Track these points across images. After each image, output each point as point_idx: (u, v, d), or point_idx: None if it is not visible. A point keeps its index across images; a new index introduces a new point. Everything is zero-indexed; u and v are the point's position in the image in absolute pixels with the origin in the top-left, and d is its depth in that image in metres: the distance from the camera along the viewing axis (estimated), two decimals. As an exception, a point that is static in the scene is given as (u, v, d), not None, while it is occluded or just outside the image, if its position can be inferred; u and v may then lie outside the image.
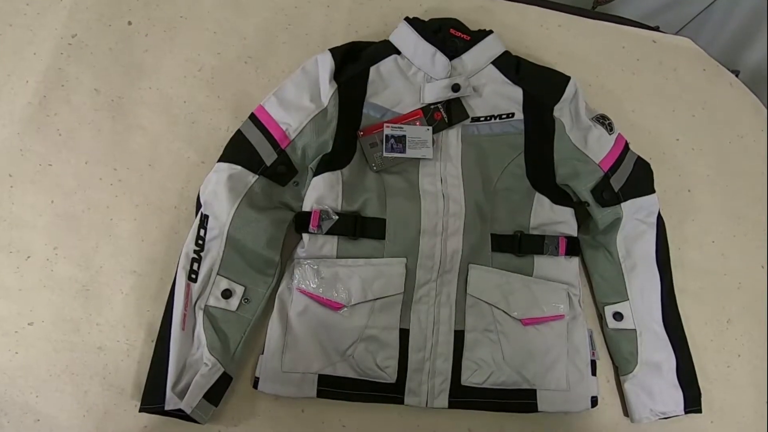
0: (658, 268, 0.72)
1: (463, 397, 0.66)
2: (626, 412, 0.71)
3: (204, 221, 0.64)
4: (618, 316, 0.72)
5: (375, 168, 0.71)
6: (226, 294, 0.63)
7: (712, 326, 0.77)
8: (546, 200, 0.72)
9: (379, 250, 0.67)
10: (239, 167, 0.65)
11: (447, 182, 0.71)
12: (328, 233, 0.66)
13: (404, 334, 0.66)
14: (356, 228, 0.67)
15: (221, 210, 0.64)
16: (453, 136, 0.73)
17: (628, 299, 0.71)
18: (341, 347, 0.65)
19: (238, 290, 0.64)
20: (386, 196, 0.69)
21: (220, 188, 0.64)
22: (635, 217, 0.73)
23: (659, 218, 0.74)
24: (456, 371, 0.66)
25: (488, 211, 0.71)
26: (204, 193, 0.65)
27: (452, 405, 0.66)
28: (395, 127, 0.71)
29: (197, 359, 0.61)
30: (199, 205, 0.65)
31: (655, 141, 0.83)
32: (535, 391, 0.67)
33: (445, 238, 0.68)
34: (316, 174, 0.68)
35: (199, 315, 0.62)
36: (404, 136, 0.71)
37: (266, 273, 0.66)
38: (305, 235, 0.67)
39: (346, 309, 0.65)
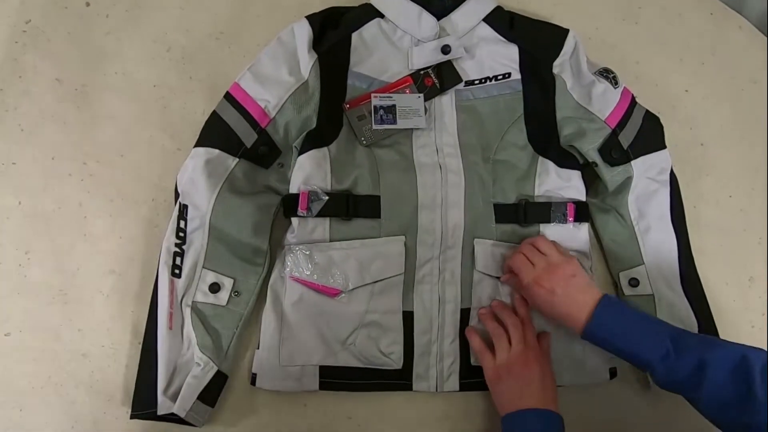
0: (673, 228, 0.67)
1: (474, 377, 0.62)
2: (647, 382, 0.67)
3: (183, 212, 0.59)
4: (634, 281, 0.67)
5: (365, 142, 0.65)
6: (214, 288, 0.59)
7: (734, 286, 0.72)
8: (551, 164, 0.67)
9: (375, 230, 0.62)
10: (217, 151, 0.60)
11: (443, 152, 0.66)
12: (318, 215, 0.61)
13: (408, 317, 0.62)
14: (349, 207, 0.62)
15: (201, 198, 0.59)
16: (447, 103, 0.67)
17: (644, 263, 0.67)
18: (341, 336, 0.60)
19: (227, 283, 0.59)
20: (379, 171, 0.64)
21: (198, 175, 0.59)
22: (647, 176, 0.68)
23: (672, 175, 0.69)
24: (465, 352, 0.62)
25: (489, 180, 0.66)
26: (181, 182, 0.60)
27: (463, 387, 0.62)
28: (383, 97, 0.66)
29: (188, 359, 0.57)
30: (177, 195, 0.60)
31: (663, 93, 0.77)
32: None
33: (445, 211, 0.63)
34: (301, 153, 0.63)
35: (187, 312, 0.58)
36: (394, 106, 0.66)
37: (255, 263, 0.61)
38: (294, 220, 0.62)
39: (344, 295, 0.61)
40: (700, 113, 0.78)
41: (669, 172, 0.69)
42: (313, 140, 0.63)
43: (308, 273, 0.61)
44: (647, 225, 0.68)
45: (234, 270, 0.60)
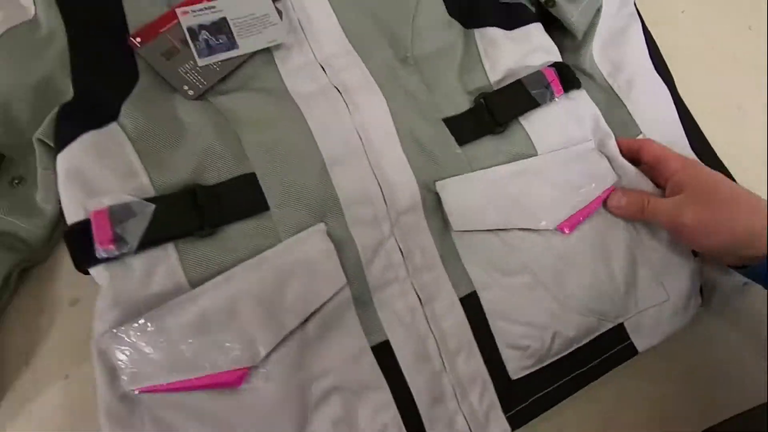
0: (660, 75, 0.47)
1: (524, 400, 0.37)
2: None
3: None
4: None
5: (192, 93, 0.36)
6: None
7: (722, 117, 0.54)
8: (496, 32, 0.43)
9: (269, 232, 0.33)
10: None
11: (333, 67, 0.38)
12: (145, 245, 0.31)
13: (383, 352, 0.34)
14: (203, 211, 0.32)
15: None
16: (310, -8, 0.40)
17: (641, 132, 0.46)
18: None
19: None
20: (237, 133, 0.35)
21: None
22: (608, 12, 0.47)
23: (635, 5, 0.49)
24: (495, 364, 0.36)
25: (421, 88, 0.40)
26: None
27: (515, 422, 0.36)
28: (199, 10, 0.37)
29: None
30: None
31: None
32: (621, 326, 0.39)
33: (374, 157, 0.36)
34: (61, 146, 0.32)
35: None
36: (224, 20, 0.37)
37: None
38: (97, 274, 0.31)
39: (256, 372, 0.31)
40: None
41: (633, 1, 0.49)
42: (76, 120, 0.32)
43: (173, 365, 0.30)
44: (627, 79, 0.46)
45: None
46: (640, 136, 0.46)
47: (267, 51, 0.38)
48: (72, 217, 0.31)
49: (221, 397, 0.30)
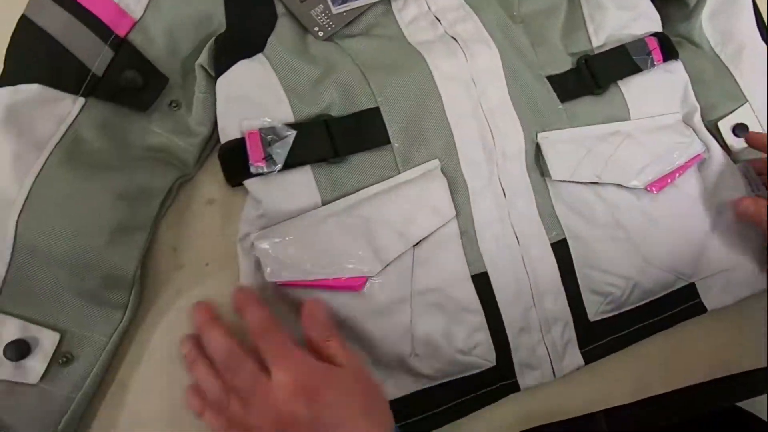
0: (766, 44, 0.48)
1: (598, 340, 0.40)
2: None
3: None
4: (741, 128, 0.47)
5: (321, 34, 0.39)
6: (17, 350, 0.31)
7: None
8: None
9: (389, 163, 0.37)
10: (36, 87, 0.31)
11: (447, 19, 0.41)
12: (288, 166, 0.35)
13: (481, 282, 0.38)
14: (335, 140, 0.36)
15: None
16: (422, -55, 0.42)
17: (747, 100, 0.47)
18: (389, 347, 0.36)
19: (46, 341, 0.32)
20: (363, 72, 0.38)
21: None
22: None
23: None
24: (577, 305, 0.40)
25: (527, 44, 0.42)
26: None
27: (589, 358, 0.40)
28: None
29: None
30: None
31: None
32: (693, 285, 0.42)
33: (486, 102, 0.39)
34: (219, 72, 0.36)
35: None
36: None
37: (109, 301, 0.34)
38: (251, 186, 0.35)
39: (372, 282, 0.35)
40: None
41: None
42: (231, 49, 0.36)
43: (305, 267, 0.35)
44: (736, 48, 0.47)
45: (63, 315, 0.33)
46: (746, 106, 0.47)
47: (386, 2, 0.41)
48: (227, 136, 0.36)
49: (343, 296, 0.35)
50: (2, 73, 0.32)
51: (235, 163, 0.35)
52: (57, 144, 0.32)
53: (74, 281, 0.32)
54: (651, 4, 0.45)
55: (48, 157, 0.31)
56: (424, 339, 0.36)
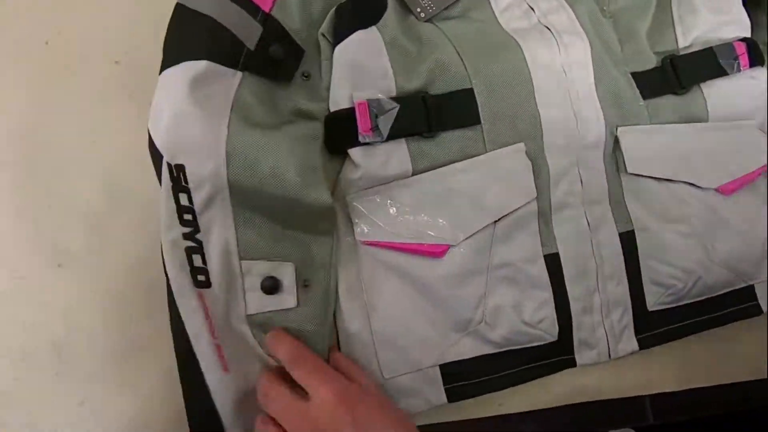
0: None
1: (654, 329, 0.43)
2: None
3: (179, 178, 0.34)
4: None
5: (423, 15, 0.42)
6: (270, 285, 0.35)
7: None
8: None
9: (477, 142, 0.40)
10: (204, 63, 0.34)
11: (541, 8, 0.43)
12: (390, 138, 0.38)
13: (553, 263, 0.40)
14: (430, 116, 0.39)
15: (203, 147, 0.34)
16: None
17: None
18: (462, 314, 0.39)
19: (287, 272, 0.36)
20: (460, 53, 0.40)
21: (185, 109, 0.33)
22: None
23: None
24: (637, 293, 0.42)
25: (614, 39, 0.43)
26: (158, 132, 0.34)
27: (643, 344, 0.42)
28: None
29: None
30: (157, 157, 0.34)
31: None
32: (752, 287, 0.44)
33: (575, 93, 0.41)
34: (336, 42, 0.39)
35: (247, 334, 0.35)
36: None
37: (318, 228, 0.38)
38: (355, 152, 0.39)
39: (452, 251, 0.38)
40: None
41: None
42: (349, 19, 0.39)
43: (392, 230, 0.38)
44: None
45: (289, 248, 0.37)
46: None
47: (486, -13, 0.43)
48: (337, 105, 0.39)
49: (423, 262, 0.38)
50: (166, 56, 0.35)
51: (343, 131, 0.38)
52: (231, 110, 0.34)
53: (287, 218, 0.36)
54: (743, 10, 0.46)
55: (229, 119, 0.34)
56: (495, 309, 0.39)
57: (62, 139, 0.42)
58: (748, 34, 0.46)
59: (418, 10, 0.42)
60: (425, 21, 0.42)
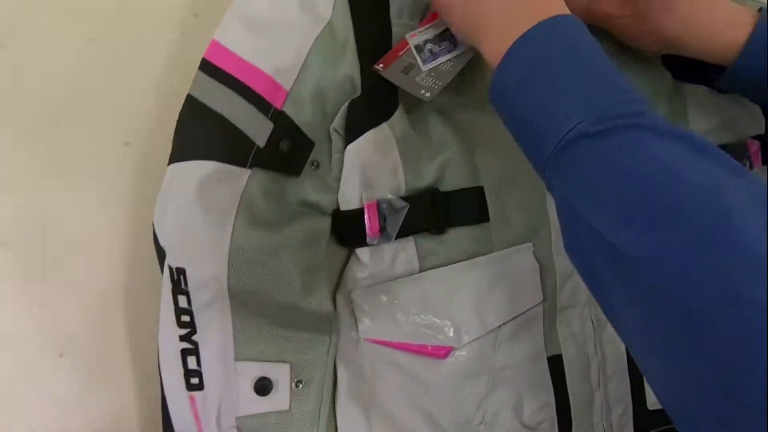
0: None
1: (654, 427, 0.43)
2: None
3: (179, 281, 0.34)
4: None
5: (428, 94, 0.40)
6: (262, 386, 0.36)
7: None
8: (706, 92, 0.45)
9: (485, 241, 0.40)
10: (213, 164, 0.35)
11: None
12: (399, 237, 0.38)
13: (555, 364, 0.40)
14: (438, 214, 0.39)
15: (205, 251, 0.34)
16: None
17: None
18: (462, 414, 0.39)
19: (281, 373, 0.36)
20: (469, 151, 0.40)
21: (190, 212, 0.34)
22: None
23: None
24: (638, 391, 0.42)
25: None
26: (162, 232, 0.34)
27: (642, 442, 0.42)
28: (424, 30, 0.41)
29: None
30: (160, 255, 0.35)
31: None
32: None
33: None
34: (349, 140, 0.39)
35: None
36: (446, 30, 0.41)
37: (317, 327, 0.38)
38: (362, 253, 0.39)
39: (456, 353, 0.38)
40: None
41: None
42: (362, 116, 0.39)
43: (396, 330, 0.38)
44: None
45: (286, 349, 0.37)
46: None
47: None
48: (348, 204, 0.38)
49: (426, 361, 0.38)
50: (175, 148, 0.35)
51: (351, 231, 0.38)
52: (237, 209, 0.35)
53: (285, 319, 0.37)
54: (758, 108, 0.46)
55: (234, 220, 0.34)
56: (494, 410, 0.39)
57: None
58: (762, 131, 0.46)
59: (423, 91, 0.40)
60: (430, 99, 0.40)
